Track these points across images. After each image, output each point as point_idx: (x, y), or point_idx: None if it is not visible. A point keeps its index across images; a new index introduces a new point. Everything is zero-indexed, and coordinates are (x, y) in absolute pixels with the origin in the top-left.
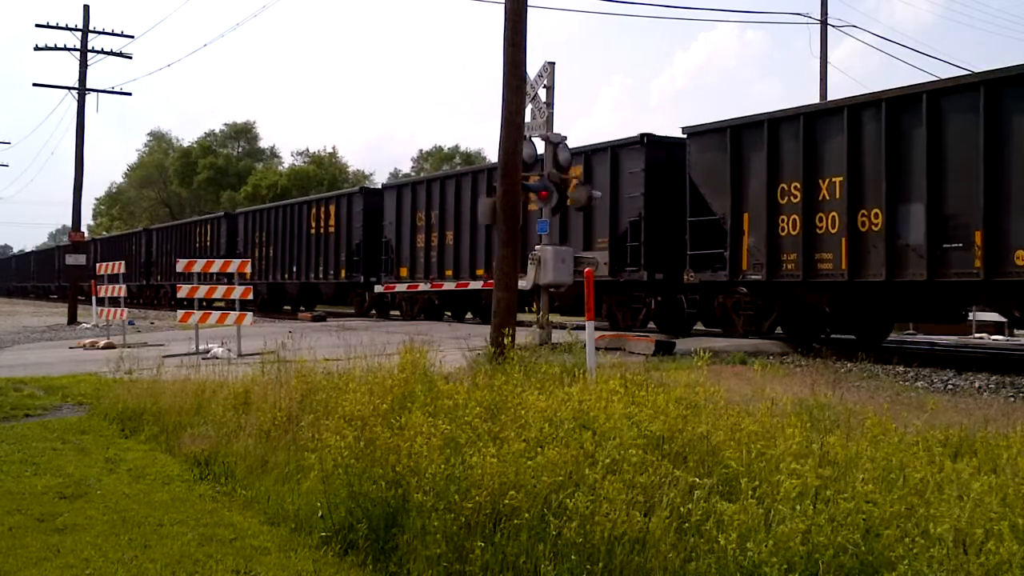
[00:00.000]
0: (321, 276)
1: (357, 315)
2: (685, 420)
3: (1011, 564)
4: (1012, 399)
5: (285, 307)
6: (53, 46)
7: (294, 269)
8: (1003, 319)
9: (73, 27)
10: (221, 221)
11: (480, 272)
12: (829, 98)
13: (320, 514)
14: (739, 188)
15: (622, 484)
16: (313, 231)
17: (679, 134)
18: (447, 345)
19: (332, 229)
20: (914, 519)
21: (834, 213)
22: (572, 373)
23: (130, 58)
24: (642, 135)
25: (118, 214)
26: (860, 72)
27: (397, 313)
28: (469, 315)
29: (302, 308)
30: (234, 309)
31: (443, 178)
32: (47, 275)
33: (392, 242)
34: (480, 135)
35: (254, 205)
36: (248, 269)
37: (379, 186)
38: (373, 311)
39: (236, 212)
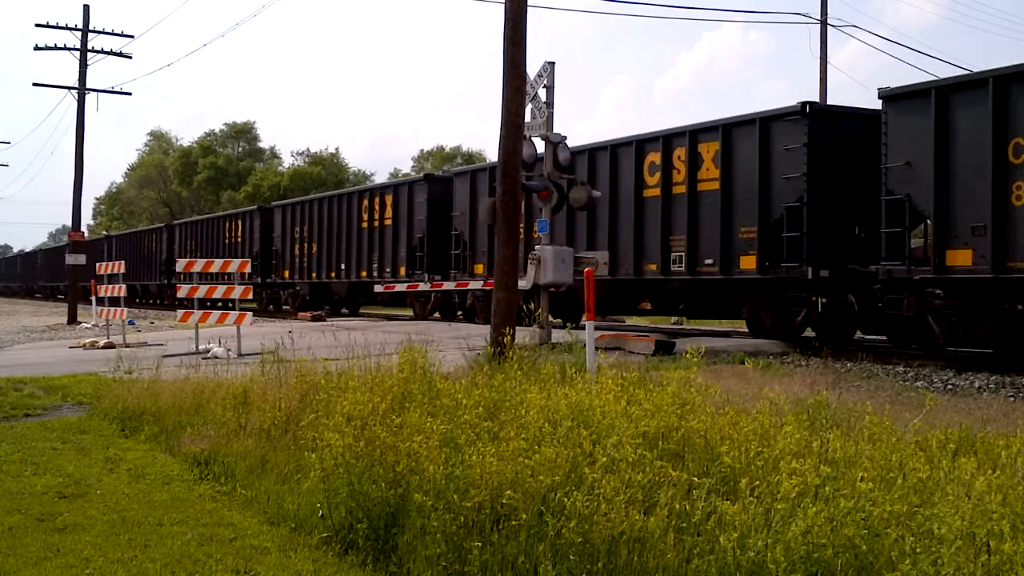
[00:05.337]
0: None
1: None
2: (682, 418)
3: (1012, 563)
4: (1012, 399)
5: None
6: (53, 46)
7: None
8: None
9: (73, 27)
10: (254, 215)
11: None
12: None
13: (320, 514)
14: None
15: (621, 483)
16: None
17: None
18: (447, 345)
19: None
20: (916, 519)
21: None
22: (571, 372)
23: (130, 58)
24: None
25: (118, 214)
26: (864, 73)
27: None
28: None
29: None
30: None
31: None
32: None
33: None
34: (485, 134)
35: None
36: (248, 269)
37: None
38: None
39: (271, 205)
